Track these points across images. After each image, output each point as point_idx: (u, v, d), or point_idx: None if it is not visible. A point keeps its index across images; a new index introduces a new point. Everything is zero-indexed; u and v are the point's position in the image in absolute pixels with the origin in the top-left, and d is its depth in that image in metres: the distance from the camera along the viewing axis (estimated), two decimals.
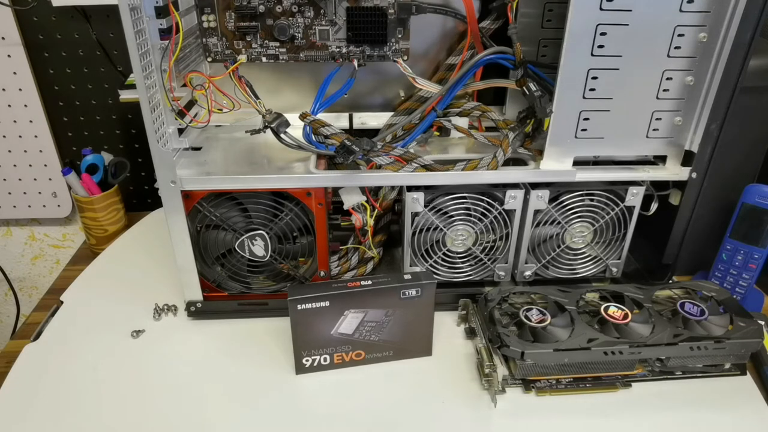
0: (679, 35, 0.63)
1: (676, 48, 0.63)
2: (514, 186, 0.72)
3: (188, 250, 0.72)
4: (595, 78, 0.65)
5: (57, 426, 0.63)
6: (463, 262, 0.78)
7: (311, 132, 0.71)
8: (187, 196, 0.69)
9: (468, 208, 0.73)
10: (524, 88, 0.68)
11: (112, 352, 0.72)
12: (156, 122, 0.63)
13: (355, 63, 0.73)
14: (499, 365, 0.66)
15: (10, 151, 1.05)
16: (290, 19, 0.70)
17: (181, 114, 0.67)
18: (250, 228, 0.72)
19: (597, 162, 0.74)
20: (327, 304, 0.65)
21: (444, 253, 0.76)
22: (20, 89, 0.99)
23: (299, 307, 0.65)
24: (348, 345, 0.69)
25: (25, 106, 1.01)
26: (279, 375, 0.69)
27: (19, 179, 1.08)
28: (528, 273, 0.78)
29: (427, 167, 0.71)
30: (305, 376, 0.69)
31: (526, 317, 0.68)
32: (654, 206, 0.76)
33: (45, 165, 1.06)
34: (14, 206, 1.11)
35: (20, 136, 1.03)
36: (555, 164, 0.70)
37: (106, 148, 1.02)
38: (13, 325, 1.19)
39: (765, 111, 0.77)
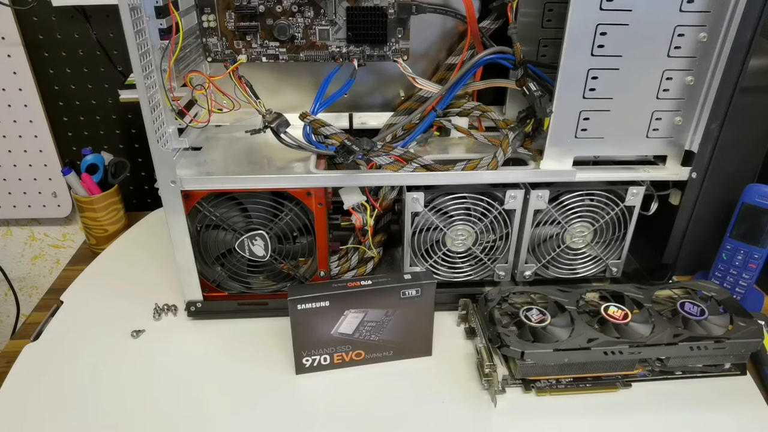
0: (679, 35, 0.63)
1: (676, 48, 0.63)
2: (514, 186, 0.72)
3: (188, 250, 0.72)
4: (595, 78, 0.65)
5: (57, 426, 0.63)
6: (463, 262, 0.78)
7: (311, 132, 0.71)
8: (187, 196, 0.69)
9: (468, 208, 0.73)
10: (524, 88, 0.68)
11: (112, 352, 0.72)
12: (156, 122, 0.63)
13: (355, 63, 0.73)
14: (499, 365, 0.66)
15: (10, 151, 1.05)
16: (290, 19, 0.70)
17: (181, 114, 0.67)
18: (250, 228, 0.72)
19: (597, 162, 0.74)
20: (327, 304, 0.65)
21: (444, 253, 0.76)
22: (20, 89, 0.99)
23: (299, 307, 0.65)
24: (348, 345, 0.69)
25: (25, 106, 1.01)
26: (279, 375, 0.69)
27: (19, 179, 1.08)
28: (528, 273, 0.78)
29: (427, 167, 0.71)
30: (305, 376, 0.69)
31: (526, 317, 0.68)
32: (654, 206, 0.76)
33: (45, 165, 1.06)
34: (14, 206, 1.11)
35: (20, 136, 1.03)
36: (555, 164, 0.70)
37: (106, 148, 1.02)
38: (13, 325, 1.19)
39: (765, 111, 0.77)
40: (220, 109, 0.70)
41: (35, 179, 1.08)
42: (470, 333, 0.75)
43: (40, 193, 1.10)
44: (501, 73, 0.76)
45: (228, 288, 0.76)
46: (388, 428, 0.63)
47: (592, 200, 0.74)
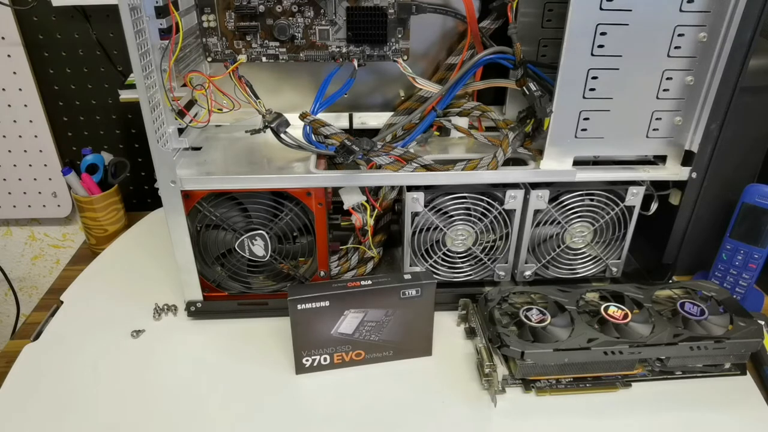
0: (679, 35, 0.63)
1: (676, 48, 0.63)
2: (514, 186, 0.72)
3: (188, 250, 0.72)
4: (595, 78, 0.65)
5: (57, 425, 0.63)
6: (463, 262, 0.78)
7: (311, 132, 0.71)
8: (187, 196, 0.69)
9: (468, 208, 0.73)
10: (524, 88, 0.68)
11: (112, 352, 0.72)
12: (156, 122, 0.63)
13: (355, 63, 0.73)
14: (499, 365, 0.66)
15: (10, 151, 1.05)
16: (290, 18, 0.70)
17: (181, 114, 0.67)
18: (250, 228, 0.72)
19: (597, 162, 0.74)
20: (327, 304, 0.65)
21: (444, 253, 0.76)
22: (20, 89, 0.99)
23: (299, 307, 0.65)
24: (348, 345, 0.69)
25: (25, 106, 1.01)
26: (279, 375, 0.69)
27: (19, 179, 1.08)
28: (528, 273, 0.78)
29: (427, 167, 0.71)
30: (305, 376, 0.69)
31: (526, 317, 0.68)
32: (654, 206, 0.76)
33: (45, 165, 1.06)
34: (14, 206, 1.11)
35: (20, 136, 1.03)
36: (555, 164, 0.70)
37: (106, 148, 1.02)
38: (13, 325, 1.19)
39: (765, 111, 0.77)
40: (220, 109, 0.70)
41: (35, 179, 1.08)
42: (470, 333, 0.75)
43: (40, 193, 1.10)
44: (501, 73, 0.76)
45: (228, 288, 0.76)
46: (388, 428, 0.63)
47: (592, 200, 0.74)
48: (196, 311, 0.77)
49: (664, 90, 0.66)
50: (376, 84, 0.83)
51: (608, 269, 0.80)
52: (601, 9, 0.60)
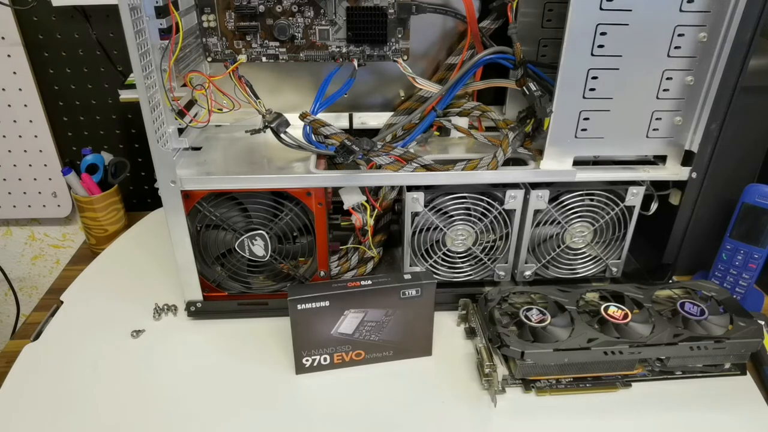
0: (679, 35, 0.63)
1: (676, 48, 0.63)
2: (514, 186, 0.72)
3: (188, 250, 0.72)
4: (595, 78, 0.65)
5: (57, 426, 0.63)
6: (463, 262, 0.78)
7: (311, 132, 0.72)
8: (187, 196, 0.69)
9: (468, 208, 0.73)
10: (524, 88, 0.68)
11: (112, 352, 0.72)
12: (156, 122, 0.63)
13: (355, 63, 0.73)
14: (499, 365, 0.66)
15: (10, 151, 1.05)
16: (290, 18, 0.70)
17: (181, 114, 0.67)
18: (250, 228, 0.72)
19: (597, 162, 0.74)
20: (327, 304, 0.66)
21: (444, 253, 0.76)
22: (20, 89, 0.99)
23: (299, 307, 0.65)
24: (348, 345, 0.69)
25: (25, 106, 1.01)
26: (279, 375, 0.69)
27: (19, 179, 1.08)
28: (528, 273, 0.78)
29: (427, 167, 0.71)
30: (305, 376, 0.69)
31: (526, 317, 0.68)
32: (654, 206, 0.76)
33: (45, 165, 1.06)
34: (14, 206, 1.11)
35: (20, 136, 1.03)
36: (555, 164, 0.70)
37: (106, 148, 1.02)
38: (13, 325, 1.19)
39: (765, 111, 0.77)
40: (220, 109, 0.70)
41: (35, 179, 1.08)
42: (470, 333, 0.75)
43: (40, 193, 1.10)
44: (501, 73, 0.76)
45: (228, 288, 0.76)
46: (388, 428, 0.63)
47: (592, 200, 0.74)
48: (196, 311, 0.77)
49: (664, 90, 0.66)
50: (376, 84, 0.83)
51: (608, 269, 0.80)
52: (601, 9, 0.60)
